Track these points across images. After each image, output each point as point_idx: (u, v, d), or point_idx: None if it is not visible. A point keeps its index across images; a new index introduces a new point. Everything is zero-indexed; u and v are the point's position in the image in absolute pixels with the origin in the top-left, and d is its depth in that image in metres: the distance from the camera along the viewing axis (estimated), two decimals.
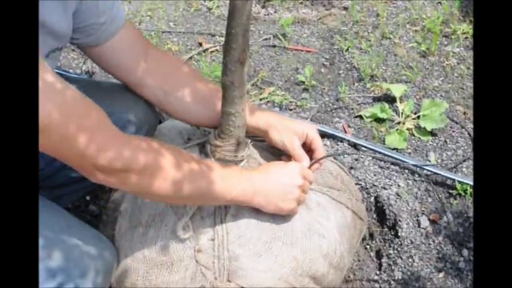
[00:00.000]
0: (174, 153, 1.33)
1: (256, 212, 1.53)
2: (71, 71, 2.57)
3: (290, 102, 2.44)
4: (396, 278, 1.77)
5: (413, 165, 2.08)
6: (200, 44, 2.82)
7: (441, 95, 2.49)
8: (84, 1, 1.46)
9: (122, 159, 1.23)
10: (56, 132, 1.16)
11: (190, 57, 2.71)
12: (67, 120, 1.17)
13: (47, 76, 1.15)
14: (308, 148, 1.64)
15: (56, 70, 2.05)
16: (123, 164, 1.24)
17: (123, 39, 1.58)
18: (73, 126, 1.18)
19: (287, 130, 1.60)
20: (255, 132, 1.65)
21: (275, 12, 3.13)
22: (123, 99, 1.70)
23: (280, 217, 1.54)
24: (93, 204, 1.99)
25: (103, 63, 1.62)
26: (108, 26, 1.54)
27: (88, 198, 2.01)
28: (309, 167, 1.59)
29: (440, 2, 3.20)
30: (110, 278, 1.49)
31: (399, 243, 1.84)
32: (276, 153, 1.73)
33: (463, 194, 1.99)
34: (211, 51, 2.77)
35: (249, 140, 1.66)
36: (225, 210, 1.55)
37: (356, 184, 1.94)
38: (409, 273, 1.77)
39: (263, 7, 3.18)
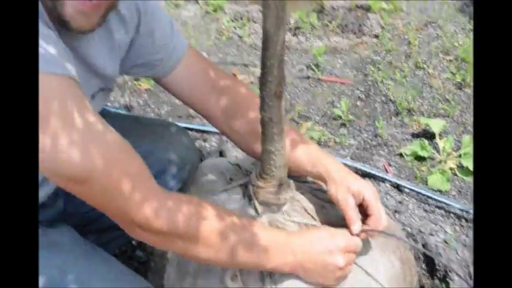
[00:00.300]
0: (217, 216, 1.27)
1: None
2: (109, 104, 2.57)
3: (328, 138, 2.43)
4: None
5: (460, 209, 2.06)
6: (234, 75, 2.81)
7: None
8: (138, 40, 1.44)
9: (160, 219, 1.18)
10: (99, 182, 1.11)
11: None
12: (111, 168, 1.12)
13: (89, 117, 1.10)
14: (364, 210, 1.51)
15: None
16: (161, 224, 1.19)
17: (184, 68, 1.53)
18: (116, 174, 1.14)
19: (343, 185, 1.47)
20: (314, 178, 1.59)
21: (306, 40, 3.13)
22: (165, 136, 1.69)
23: None
24: (140, 249, 1.98)
25: (175, 94, 1.57)
26: (168, 60, 1.50)
27: (134, 243, 2.01)
28: (359, 234, 1.46)
29: (471, 29, 3.18)
30: None
31: None
32: (321, 196, 1.72)
33: None
34: (245, 83, 2.76)
35: (292, 181, 1.65)
36: None
37: (402, 229, 1.93)
38: None
39: (294, 35, 3.18)
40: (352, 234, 1.44)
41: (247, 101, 1.56)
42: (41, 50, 1.05)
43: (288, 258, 1.36)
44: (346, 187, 1.47)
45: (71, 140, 1.06)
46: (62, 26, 1.19)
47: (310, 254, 1.38)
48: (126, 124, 1.64)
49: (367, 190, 1.47)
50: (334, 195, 1.50)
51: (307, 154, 1.55)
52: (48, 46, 1.08)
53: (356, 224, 1.44)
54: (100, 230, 1.66)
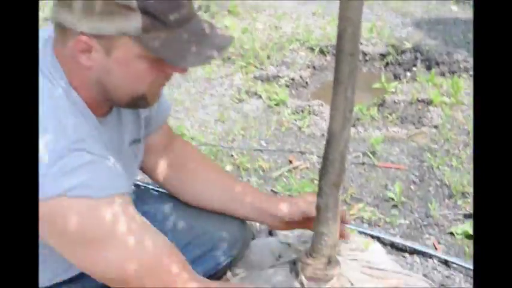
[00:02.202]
0: None
1: None
2: None
3: (379, 218, 2.43)
4: None
5: None
6: (290, 162, 2.87)
7: None
8: None
9: None
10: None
11: (280, 174, 2.76)
12: (157, 274, 1.34)
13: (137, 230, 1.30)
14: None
15: (149, 186, 2.16)
16: None
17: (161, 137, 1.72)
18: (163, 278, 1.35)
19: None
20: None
21: (365, 131, 3.18)
22: (218, 215, 1.75)
23: None
24: None
25: None
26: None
27: None
28: None
29: None
30: None
31: None
32: (368, 272, 1.72)
33: None
34: (301, 169, 2.81)
35: (341, 259, 1.67)
36: None
37: None
38: None
39: (353, 126, 3.23)
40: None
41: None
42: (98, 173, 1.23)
43: None
44: None
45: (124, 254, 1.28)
46: (133, 106, 1.37)
47: None
48: (179, 207, 1.76)
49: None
50: None
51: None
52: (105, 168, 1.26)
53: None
54: None
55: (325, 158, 1.43)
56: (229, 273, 1.76)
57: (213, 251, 1.71)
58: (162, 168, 1.71)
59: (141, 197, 1.72)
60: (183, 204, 1.76)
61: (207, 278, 1.70)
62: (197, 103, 3.49)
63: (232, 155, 2.93)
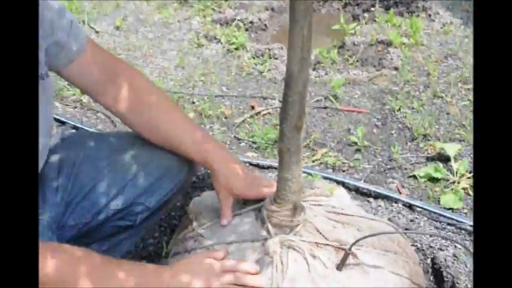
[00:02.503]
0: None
1: (312, 276, 1.53)
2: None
3: (343, 163, 2.44)
4: None
5: (471, 225, 2.04)
6: (252, 107, 2.86)
7: None
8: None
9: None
10: None
11: (243, 121, 2.74)
12: None
13: None
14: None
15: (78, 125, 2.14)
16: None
17: (84, 60, 1.64)
18: None
19: (226, 188, 1.66)
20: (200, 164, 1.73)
21: (326, 74, 3.17)
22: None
23: (336, 282, 1.53)
24: (146, 261, 2.00)
25: (75, 84, 1.71)
26: (69, 50, 1.59)
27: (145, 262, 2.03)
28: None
29: None
30: None
31: None
32: (334, 218, 1.73)
33: None
34: (264, 114, 2.80)
35: (306, 204, 1.67)
36: (282, 275, 1.54)
37: (412, 245, 1.92)
38: None
39: (314, 69, 3.22)
40: (222, 224, 1.66)
41: (141, 92, 1.69)
42: None
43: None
44: (228, 190, 1.66)
45: None
46: None
47: (180, 281, 1.44)
48: (127, 139, 1.73)
49: (248, 192, 1.69)
50: (217, 192, 1.68)
51: (192, 139, 1.68)
52: None
53: (225, 219, 1.67)
54: (101, 238, 1.70)
55: (285, 101, 1.40)
56: (195, 223, 1.75)
57: (162, 178, 1.70)
58: (117, 100, 1.68)
59: (82, 141, 1.72)
60: (128, 136, 1.77)
61: (161, 207, 1.74)
62: (155, 49, 3.43)
63: (193, 102, 2.90)
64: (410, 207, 2.17)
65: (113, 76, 1.67)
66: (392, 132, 2.66)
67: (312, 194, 1.85)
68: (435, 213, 2.12)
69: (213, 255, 1.54)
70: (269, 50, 3.35)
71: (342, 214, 1.77)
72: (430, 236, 2.00)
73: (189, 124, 1.73)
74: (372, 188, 2.25)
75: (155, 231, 2.10)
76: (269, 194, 1.63)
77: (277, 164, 1.56)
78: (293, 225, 1.60)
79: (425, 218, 2.11)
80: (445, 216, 2.11)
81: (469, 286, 1.80)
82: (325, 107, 2.86)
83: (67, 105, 2.83)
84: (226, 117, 2.78)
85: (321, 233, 1.66)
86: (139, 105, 1.68)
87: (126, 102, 1.67)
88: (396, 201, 2.20)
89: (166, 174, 1.70)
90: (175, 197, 1.82)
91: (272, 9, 4.01)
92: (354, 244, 1.57)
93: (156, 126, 1.68)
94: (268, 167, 2.40)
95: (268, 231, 1.62)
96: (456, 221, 2.08)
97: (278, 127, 1.44)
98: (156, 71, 3.18)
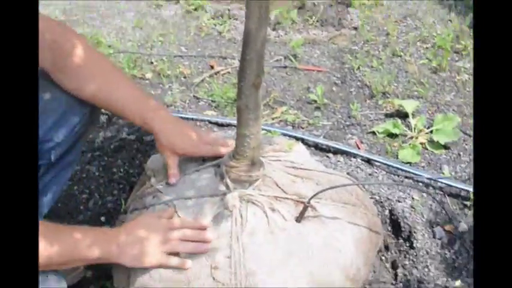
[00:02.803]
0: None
1: (272, 229, 1.53)
2: None
3: (302, 120, 2.44)
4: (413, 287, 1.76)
5: (428, 178, 2.07)
6: (212, 67, 2.83)
7: (453, 110, 2.48)
8: None
9: None
10: None
11: (202, 80, 2.72)
12: None
13: None
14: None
15: None
16: None
17: None
18: None
19: (169, 148, 1.66)
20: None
21: (285, 34, 3.16)
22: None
23: (296, 233, 1.54)
24: (108, 224, 1.99)
25: None
26: None
27: (103, 219, 2.02)
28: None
29: (450, 20, 3.21)
30: None
31: (414, 254, 1.84)
32: (293, 172, 1.74)
33: None
34: (223, 74, 2.78)
35: (265, 160, 1.67)
36: (241, 228, 1.55)
37: (370, 198, 1.94)
38: (425, 282, 1.75)
39: (274, 29, 3.20)
40: (170, 183, 1.68)
41: (81, 58, 1.63)
42: None
43: (112, 247, 1.49)
44: (171, 150, 1.66)
45: None
46: None
47: (133, 239, 1.51)
48: None
49: (194, 150, 1.70)
50: (160, 152, 1.70)
51: (133, 103, 1.66)
52: None
53: (173, 178, 1.68)
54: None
55: (243, 59, 1.41)
56: (153, 180, 1.74)
57: (66, 113, 1.66)
58: (57, 68, 1.63)
59: None
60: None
61: (74, 144, 1.70)
62: (113, 9, 3.37)
63: (152, 62, 2.87)
64: (369, 161, 2.19)
65: (51, 43, 1.62)
66: (352, 90, 2.67)
67: (270, 150, 1.85)
68: (393, 167, 2.14)
69: (162, 214, 1.59)
70: (228, 10, 3.32)
71: (301, 169, 1.78)
72: (388, 188, 2.02)
73: (130, 88, 1.70)
74: (331, 143, 2.26)
75: (114, 189, 2.09)
76: (225, 153, 1.66)
77: (236, 122, 1.56)
78: (252, 180, 1.61)
79: (384, 172, 2.14)
80: (402, 170, 2.13)
81: (426, 235, 1.84)
82: (285, 67, 2.85)
83: None
84: (185, 77, 2.76)
85: (280, 187, 1.67)
86: (80, 72, 1.64)
87: (67, 69, 1.63)
88: (355, 156, 2.22)
89: (70, 109, 1.66)
90: (86, 134, 1.80)
91: None
92: (313, 197, 1.58)
93: (98, 91, 1.65)
94: (228, 125, 2.40)
95: (227, 186, 1.62)
96: (413, 174, 2.10)
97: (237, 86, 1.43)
98: (114, 32, 3.13)
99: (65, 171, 1.78)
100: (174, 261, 1.51)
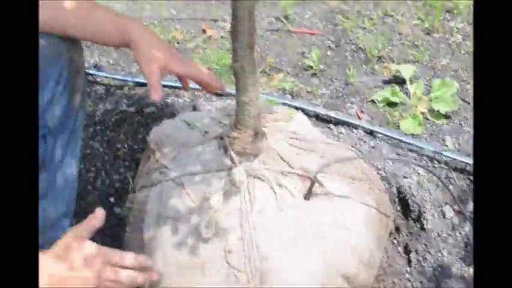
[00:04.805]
0: None
1: (281, 206, 1.53)
2: None
3: (300, 88, 2.44)
4: (427, 275, 1.79)
5: (433, 151, 2.08)
6: (204, 31, 2.79)
7: (450, 74, 2.49)
8: None
9: None
10: None
11: (196, 46, 2.69)
12: None
13: None
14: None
15: None
16: None
17: None
18: None
19: (147, 56, 1.54)
20: (119, 45, 1.62)
21: None
22: None
23: (304, 211, 1.55)
24: (117, 206, 1.99)
25: None
26: None
27: (112, 200, 2.02)
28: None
29: None
30: None
31: (426, 236, 1.86)
32: (296, 144, 1.73)
33: None
34: (216, 39, 2.75)
35: (267, 130, 1.65)
36: (250, 206, 1.55)
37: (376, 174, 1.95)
38: (440, 269, 1.79)
39: None
40: (154, 100, 1.52)
41: None
42: None
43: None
44: (152, 59, 1.53)
45: None
46: None
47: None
48: None
49: (174, 63, 1.58)
50: (139, 64, 1.56)
51: (109, 18, 1.58)
52: None
53: (156, 93, 1.51)
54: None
55: (234, 17, 1.37)
56: (158, 154, 1.72)
57: (45, 70, 1.52)
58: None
59: None
60: None
61: (66, 100, 1.60)
62: None
63: None
64: (371, 133, 2.20)
65: None
66: (347, 54, 2.65)
67: (271, 119, 1.83)
68: (396, 139, 2.15)
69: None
70: None
71: (305, 140, 1.77)
72: (393, 163, 2.04)
73: (103, 9, 1.60)
74: (332, 114, 2.25)
75: (120, 167, 2.08)
76: (208, 78, 1.63)
77: (232, 91, 1.54)
78: (256, 152, 1.60)
79: (387, 145, 2.14)
80: (406, 143, 2.14)
81: (435, 214, 1.86)
82: (277, 30, 2.82)
83: None
84: (178, 42, 2.72)
85: (285, 161, 1.66)
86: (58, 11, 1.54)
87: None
88: (356, 127, 2.22)
89: (46, 65, 1.52)
90: (77, 88, 1.66)
91: None
92: (318, 171, 1.58)
93: (73, 18, 1.55)
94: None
95: (232, 160, 1.61)
96: (417, 146, 2.12)
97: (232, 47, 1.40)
98: None
99: (74, 136, 1.67)
100: None
